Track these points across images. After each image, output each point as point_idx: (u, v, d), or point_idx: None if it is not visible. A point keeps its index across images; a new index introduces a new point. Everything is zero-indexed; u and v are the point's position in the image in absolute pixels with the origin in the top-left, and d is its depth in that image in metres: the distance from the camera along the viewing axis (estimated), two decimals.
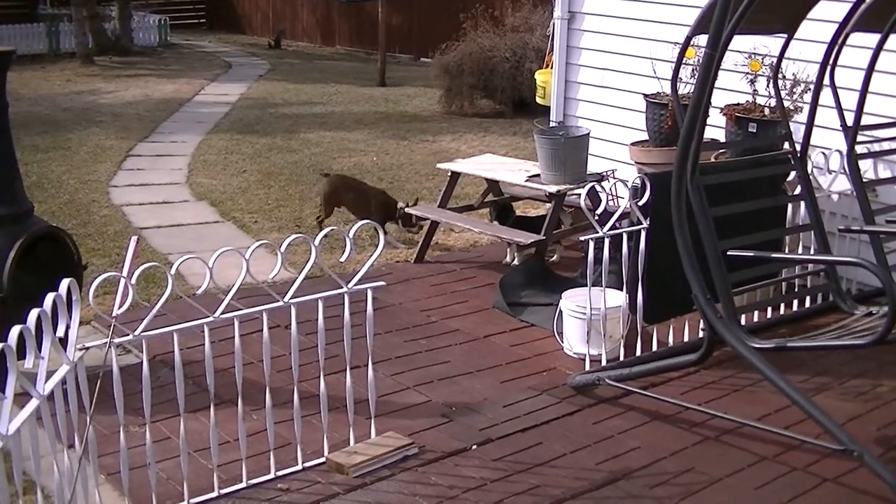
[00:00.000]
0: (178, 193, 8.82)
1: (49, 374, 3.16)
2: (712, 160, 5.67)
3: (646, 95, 6.33)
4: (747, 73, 5.88)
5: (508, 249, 6.79)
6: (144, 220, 7.88)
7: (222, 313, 3.65)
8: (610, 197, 5.90)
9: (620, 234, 4.83)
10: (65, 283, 3.22)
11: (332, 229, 3.97)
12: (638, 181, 4.77)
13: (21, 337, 2.88)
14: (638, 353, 4.96)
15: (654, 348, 5.03)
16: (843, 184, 5.54)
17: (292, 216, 7.98)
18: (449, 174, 6.91)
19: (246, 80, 16.41)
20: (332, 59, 20.07)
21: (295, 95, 14.79)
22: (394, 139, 11.42)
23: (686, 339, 5.15)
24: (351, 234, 3.88)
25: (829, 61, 4.86)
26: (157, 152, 10.60)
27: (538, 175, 6.37)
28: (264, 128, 12.05)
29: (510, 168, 6.88)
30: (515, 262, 6.64)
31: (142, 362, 3.54)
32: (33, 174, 9.19)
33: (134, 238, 3.71)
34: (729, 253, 4.14)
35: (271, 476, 3.96)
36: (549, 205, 6.48)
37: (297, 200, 8.49)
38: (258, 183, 9.15)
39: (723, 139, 5.95)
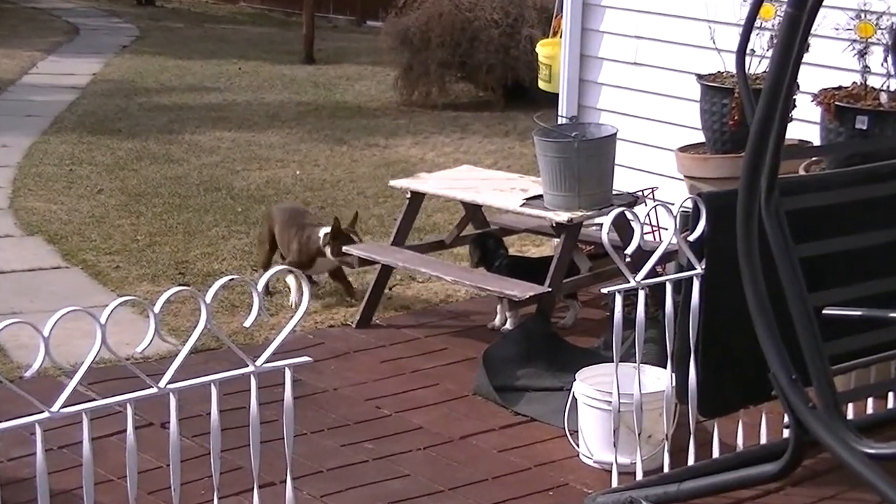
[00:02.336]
0: None
1: None
2: (801, 173, 5.73)
3: (700, 76, 6.40)
4: (854, 41, 5.96)
5: (498, 307, 6.81)
6: None
7: (64, 406, 3.63)
8: (647, 229, 5.94)
9: (663, 284, 4.86)
10: None
11: (232, 279, 3.96)
12: (689, 205, 4.81)
13: None
14: (691, 461, 4.97)
15: (715, 454, 5.05)
16: None
17: (173, 258, 7.96)
18: (408, 196, 6.94)
19: (102, 52, 16.39)
20: (234, 21, 20.13)
21: (177, 77, 14.79)
22: (326, 143, 11.44)
23: (763, 440, 5.18)
24: (260, 286, 3.87)
25: None
26: None
27: (541, 196, 6.40)
28: (131, 126, 12.03)
29: (499, 186, 6.91)
30: (508, 326, 6.65)
31: None
32: None
33: None
34: (825, 311, 4.17)
35: None
36: (556, 241, 6.51)
37: (180, 235, 8.47)
38: (121, 208, 9.13)
39: (817, 141, 6.01)
